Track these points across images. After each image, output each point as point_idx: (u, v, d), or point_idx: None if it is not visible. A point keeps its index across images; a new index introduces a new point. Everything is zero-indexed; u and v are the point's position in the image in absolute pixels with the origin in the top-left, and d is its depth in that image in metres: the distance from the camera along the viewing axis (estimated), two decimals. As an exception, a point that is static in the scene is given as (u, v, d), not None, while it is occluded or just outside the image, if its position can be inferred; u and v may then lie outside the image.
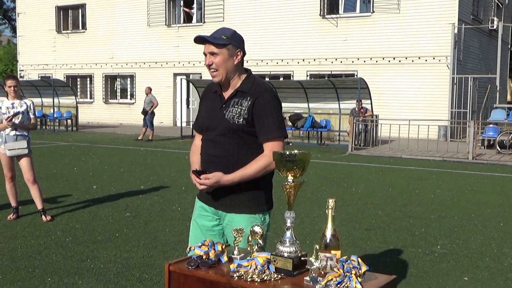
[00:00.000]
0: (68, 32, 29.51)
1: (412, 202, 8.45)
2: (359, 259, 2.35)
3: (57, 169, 11.41)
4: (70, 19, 29.84)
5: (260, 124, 2.88)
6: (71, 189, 9.07)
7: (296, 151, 2.49)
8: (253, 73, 3.07)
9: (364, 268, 2.32)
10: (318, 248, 2.40)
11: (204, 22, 25.23)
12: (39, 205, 6.87)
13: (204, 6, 25.29)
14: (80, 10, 29.28)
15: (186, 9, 26.28)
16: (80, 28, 29.26)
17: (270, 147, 2.86)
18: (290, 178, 2.45)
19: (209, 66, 2.91)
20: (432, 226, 6.85)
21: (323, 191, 9.28)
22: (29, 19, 30.49)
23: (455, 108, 20.28)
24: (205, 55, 2.92)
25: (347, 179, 10.70)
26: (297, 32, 22.87)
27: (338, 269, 2.28)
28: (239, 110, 2.88)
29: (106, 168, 11.62)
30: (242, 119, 2.87)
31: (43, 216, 6.79)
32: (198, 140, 3.16)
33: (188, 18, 26.49)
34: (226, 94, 2.97)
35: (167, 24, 26.21)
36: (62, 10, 29.68)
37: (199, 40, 2.89)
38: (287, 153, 2.45)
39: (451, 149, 15.64)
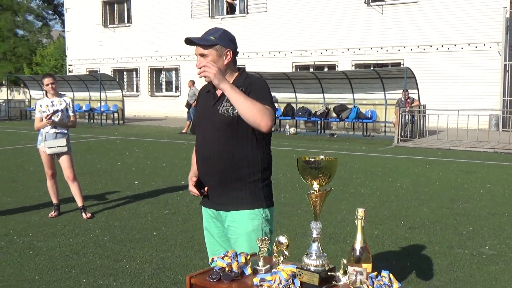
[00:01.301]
0: (114, 26, 29.94)
1: (460, 197, 8.11)
2: (391, 275, 2.17)
3: (101, 164, 11.54)
4: (116, 13, 30.27)
5: (253, 98, 2.72)
6: (113, 185, 9.13)
7: (322, 156, 2.32)
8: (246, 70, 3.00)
9: (396, 285, 2.13)
10: (345, 262, 2.23)
11: (247, 13, 25.11)
12: (79, 202, 6.91)
13: (247, -3, 25.17)
14: (125, 4, 29.66)
15: (229, 1, 26.22)
16: (126, 22, 29.65)
17: (265, 107, 2.71)
18: (315, 186, 2.29)
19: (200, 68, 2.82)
20: (481, 224, 6.53)
21: (367, 185, 9.04)
22: (76, 14, 31.09)
23: (507, 97, 19.52)
24: (197, 56, 2.87)
25: (391, 173, 10.40)
26: (341, 21, 22.47)
27: (368, 286, 2.11)
28: None
29: (149, 163, 11.67)
30: (236, 111, 2.74)
31: (83, 214, 6.83)
32: None
33: (231, 10, 26.43)
34: (220, 92, 2.88)
35: (210, 16, 26.23)
36: (108, 5, 30.14)
37: (188, 42, 2.83)
38: (312, 159, 2.29)
39: (503, 140, 15.03)
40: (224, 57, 2.84)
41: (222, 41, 2.83)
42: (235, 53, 2.89)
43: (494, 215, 6.99)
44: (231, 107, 2.80)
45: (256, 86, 2.84)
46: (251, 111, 2.66)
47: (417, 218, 6.82)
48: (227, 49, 2.84)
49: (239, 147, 2.84)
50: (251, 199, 2.87)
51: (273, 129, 3.01)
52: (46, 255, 5.30)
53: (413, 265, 5.05)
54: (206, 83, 2.99)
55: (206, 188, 2.95)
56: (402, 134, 16.19)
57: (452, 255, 5.33)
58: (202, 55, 2.83)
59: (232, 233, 2.91)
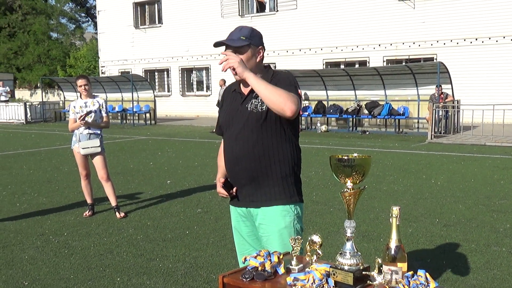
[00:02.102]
0: (145, 27, 30.24)
1: (497, 194, 7.93)
2: (427, 275, 2.12)
3: (134, 164, 11.66)
4: (147, 14, 30.56)
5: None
6: (146, 184, 9.21)
7: (355, 154, 2.28)
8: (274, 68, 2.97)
9: (433, 284, 2.08)
10: (380, 261, 2.18)
11: (277, 10, 25.06)
12: (113, 202, 6.99)
13: (276, -5, 25.13)
14: (156, 5, 29.91)
15: (259, -1, 26.22)
16: (157, 22, 29.91)
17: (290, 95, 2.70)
18: (349, 184, 2.25)
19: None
20: (519, 221, 6.38)
21: (400, 183, 8.91)
22: (108, 16, 31.50)
23: (544, 90, 19.05)
24: (225, 55, 2.80)
25: (426, 170, 10.23)
26: (372, 16, 22.24)
27: (404, 285, 2.06)
28: (260, 98, 2.77)
29: (181, 162, 11.74)
30: (265, 106, 2.75)
31: (117, 213, 6.91)
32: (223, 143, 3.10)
33: (261, 8, 26.42)
34: (246, 90, 2.86)
35: (240, 14, 26.26)
36: (139, 6, 30.45)
37: (219, 45, 2.81)
38: (345, 158, 2.25)
39: (541, 135, 14.67)
40: (257, 55, 2.83)
41: (254, 39, 2.82)
42: (264, 49, 2.88)
43: (533, 212, 6.81)
44: (260, 102, 2.78)
45: (281, 76, 2.83)
46: (274, 96, 2.63)
47: (453, 216, 6.69)
48: (259, 47, 2.84)
49: (270, 143, 2.82)
50: (282, 195, 2.86)
51: (304, 126, 2.99)
52: (80, 254, 5.38)
53: (449, 263, 4.95)
54: (232, 82, 2.99)
55: (234, 189, 2.93)
56: (436, 130, 15.93)
57: (489, 253, 5.21)
58: (234, 53, 2.77)
59: (264, 231, 2.89)
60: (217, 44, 2.83)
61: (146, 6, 30.47)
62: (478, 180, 9.04)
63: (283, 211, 2.85)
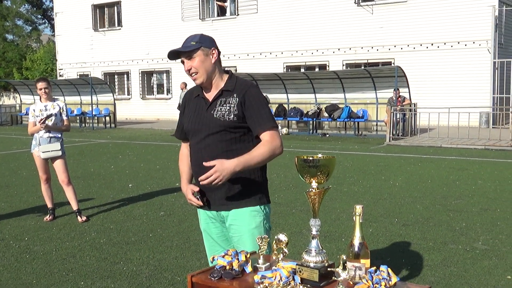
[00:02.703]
0: (104, 29, 29.90)
1: (453, 194, 8.19)
2: (389, 270, 2.21)
3: (94, 167, 11.53)
4: (106, 16, 30.21)
5: (254, 118, 2.87)
6: (107, 188, 9.13)
7: (320, 155, 2.36)
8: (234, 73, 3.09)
9: (394, 279, 2.18)
10: (345, 258, 2.27)
11: (238, 14, 25.15)
12: (74, 206, 6.92)
13: (237, -1, 25.23)
14: (115, 8, 29.60)
15: (219, 3, 26.25)
16: (116, 25, 29.60)
17: (270, 134, 2.86)
18: (314, 184, 2.33)
19: (189, 71, 2.90)
20: (474, 220, 6.60)
21: (360, 184, 9.10)
22: (66, 18, 31.00)
23: (497, 94, 19.69)
24: (183, 62, 2.92)
25: (384, 171, 10.47)
26: (331, 21, 22.57)
27: (367, 281, 2.15)
28: (228, 107, 2.87)
29: (142, 166, 11.68)
30: (232, 116, 2.86)
31: (78, 217, 6.84)
32: (185, 148, 3.16)
33: (221, 12, 26.46)
34: (210, 96, 2.94)
35: (201, 18, 26.25)
36: (98, 8, 30.08)
37: (173, 55, 2.91)
38: (311, 158, 2.33)
39: (494, 137, 15.17)
40: (211, 56, 2.90)
41: (204, 42, 2.90)
42: (219, 52, 2.95)
43: (486, 211, 7.06)
44: (227, 111, 2.86)
45: (251, 96, 2.89)
46: (266, 157, 2.82)
47: (411, 215, 6.88)
48: (211, 48, 2.90)
49: (237, 149, 2.88)
50: (252, 197, 2.94)
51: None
52: (43, 259, 5.31)
53: (408, 261, 5.10)
54: (191, 87, 3.09)
55: (205, 199, 2.98)
56: (394, 133, 16.28)
57: (446, 251, 5.39)
58: (189, 58, 2.87)
59: (235, 231, 2.95)
60: (170, 55, 2.91)
61: (106, 9, 30.12)
62: (435, 181, 9.30)
63: (253, 211, 2.93)
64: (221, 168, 2.70)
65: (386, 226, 6.37)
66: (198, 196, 2.97)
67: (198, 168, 2.95)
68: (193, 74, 2.90)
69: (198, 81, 2.91)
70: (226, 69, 3.03)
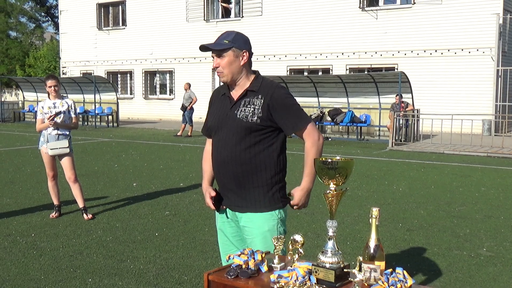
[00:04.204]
0: (108, 28, 29.94)
1: (456, 200, 8.22)
2: (405, 272, 2.25)
3: (98, 166, 11.57)
4: (110, 16, 30.27)
5: (285, 120, 2.91)
6: (111, 186, 9.17)
7: (338, 157, 2.40)
8: (261, 74, 3.08)
9: (410, 281, 2.22)
10: (361, 259, 2.30)
11: (242, 16, 25.20)
12: (80, 203, 6.95)
13: (242, 1, 25.26)
14: (120, 7, 29.66)
15: (224, 4, 26.30)
16: (120, 24, 29.65)
17: (307, 134, 2.95)
18: (332, 186, 2.36)
19: (216, 68, 2.92)
20: (478, 226, 6.64)
21: (363, 188, 9.13)
22: (71, 17, 31.04)
23: (499, 102, 19.71)
24: (213, 57, 2.93)
25: (387, 176, 10.50)
26: (336, 25, 22.61)
27: (383, 282, 2.18)
28: (252, 109, 2.88)
29: (146, 165, 11.71)
30: (256, 117, 2.87)
31: (84, 215, 6.87)
32: (209, 145, 3.16)
33: (226, 13, 26.51)
34: (235, 95, 2.96)
35: (205, 19, 26.29)
36: (103, 7, 30.13)
37: (204, 48, 2.90)
38: (329, 160, 2.36)
39: (496, 144, 15.20)
40: (241, 58, 2.89)
41: (237, 43, 2.88)
42: (250, 54, 2.94)
43: (490, 218, 7.09)
44: (251, 113, 2.87)
45: (278, 99, 2.90)
46: (320, 155, 2.94)
47: (415, 221, 6.91)
48: (243, 50, 2.90)
49: (257, 151, 2.90)
50: (267, 201, 2.94)
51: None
52: (50, 255, 5.35)
53: (413, 266, 5.13)
54: (219, 85, 3.08)
55: (222, 205, 3.02)
56: (396, 138, 16.31)
57: (451, 257, 5.42)
58: (219, 56, 2.88)
59: (248, 233, 2.97)
60: (202, 48, 2.91)
61: (110, 8, 30.18)
62: (438, 187, 9.33)
63: (267, 215, 2.94)
64: (301, 194, 2.96)
65: (391, 230, 6.41)
66: (213, 202, 3.00)
67: (216, 166, 2.99)
68: (219, 72, 2.92)
69: (222, 79, 2.93)
70: (254, 69, 3.02)
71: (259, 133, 2.89)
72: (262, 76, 3.01)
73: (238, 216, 3.00)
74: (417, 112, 17.34)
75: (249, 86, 2.93)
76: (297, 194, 2.96)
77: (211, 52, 2.91)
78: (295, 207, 2.99)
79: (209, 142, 3.16)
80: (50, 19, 52.36)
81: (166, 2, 27.30)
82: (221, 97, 3.04)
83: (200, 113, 24.76)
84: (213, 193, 3.01)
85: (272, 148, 2.94)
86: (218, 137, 2.98)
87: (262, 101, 2.88)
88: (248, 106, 2.89)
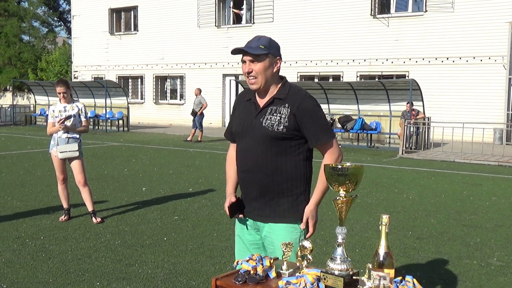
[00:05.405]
0: (120, 33, 30.09)
1: (467, 209, 8.15)
2: (415, 280, 2.23)
3: (108, 170, 11.60)
4: (122, 21, 30.43)
5: (311, 131, 2.82)
6: (121, 190, 9.18)
7: (348, 164, 2.38)
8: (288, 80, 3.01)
9: (420, 290, 2.19)
10: (370, 266, 2.28)
11: (254, 23, 25.23)
12: (89, 207, 6.97)
13: (253, 7, 25.31)
14: (132, 12, 29.81)
15: (235, 10, 26.37)
16: (132, 29, 29.80)
17: (329, 149, 2.87)
18: (342, 192, 2.35)
19: (248, 74, 2.83)
20: (488, 236, 6.58)
21: (373, 196, 9.08)
22: (83, 21, 31.25)
23: (511, 110, 19.58)
24: (244, 62, 2.84)
25: (397, 184, 10.44)
26: (347, 32, 22.58)
27: (392, 290, 2.16)
28: (278, 117, 2.81)
29: (155, 170, 11.73)
30: (282, 127, 2.80)
31: (93, 218, 6.89)
32: (233, 150, 3.09)
33: (237, 19, 26.57)
34: (262, 102, 2.89)
35: (216, 25, 26.35)
36: (115, 12, 30.30)
37: (238, 52, 2.81)
38: (339, 166, 2.35)
39: (508, 153, 15.08)
40: (274, 65, 2.84)
41: (272, 49, 2.83)
42: (281, 61, 2.89)
43: (501, 227, 7.03)
44: (276, 122, 2.80)
45: (306, 110, 2.82)
46: None
47: (425, 229, 6.86)
48: (277, 57, 2.85)
49: (282, 161, 2.84)
50: (291, 213, 2.88)
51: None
52: (58, 258, 5.36)
53: (423, 275, 5.09)
54: (247, 89, 3.00)
55: (241, 216, 2.98)
56: (407, 146, 16.23)
57: (461, 266, 5.37)
58: (252, 61, 2.80)
59: (270, 243, 2.91)
60: (235, 51, 2.82)
61: (122, 13, 30.34)
62: (449, 196, 9.26)
63: (289, 227, 2.88)
64: (310, 216, 2.88)
65: (400, 238, 6.36)
66: (230, 208, 2.95)
67: (241, 173, 2.95)
68: (251, 78, 2.82)
69: (254, 86, 2.84)
70: (281, 75, 2.95)
71: (284, 142, 2.82)
72: (290, 83, 2.93)
73: (260, 226, 2.94)
74: (428, 120, 17.25)
75: (276, 94, 2.85)
76: (309, 219, 2.89)
77: (241, 56, 2.83)
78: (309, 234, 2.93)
79: (233, 147, 3.09)
80: (62, 23, 52.73)
81: (177, 8, 27.41)
82: (246, 102, 2.97)
83: (210, 119, 24.85)
84: (233, 199, 2.95)
85: (298, 158, 2.87)
86: (243, 145, 2.93)
87: (289, 110, 2.80)
88: (274, 114, 2.82)
